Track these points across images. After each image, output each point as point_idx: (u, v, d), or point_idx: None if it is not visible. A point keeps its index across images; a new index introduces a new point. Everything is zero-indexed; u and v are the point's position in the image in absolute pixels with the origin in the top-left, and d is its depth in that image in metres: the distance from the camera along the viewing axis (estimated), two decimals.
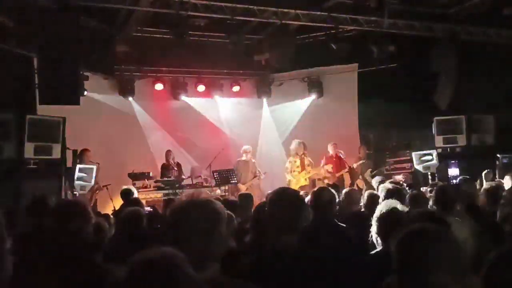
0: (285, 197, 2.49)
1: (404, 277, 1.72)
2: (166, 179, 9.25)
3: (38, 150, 6.98)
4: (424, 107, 10.12)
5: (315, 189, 4.08)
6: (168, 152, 9.91)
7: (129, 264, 1.35)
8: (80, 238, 2.19)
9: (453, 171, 9.31)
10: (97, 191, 8.60)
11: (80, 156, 8.33)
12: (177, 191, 8.95)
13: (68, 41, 6.99)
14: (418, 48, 10.00)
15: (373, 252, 2.97)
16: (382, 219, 2.97)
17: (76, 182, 7.55)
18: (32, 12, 7.25)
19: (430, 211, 3.58)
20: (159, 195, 8.99)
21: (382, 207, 3.07)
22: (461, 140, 9.45)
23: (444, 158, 9.55)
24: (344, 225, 3.72)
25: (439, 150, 9.59)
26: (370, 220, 3.21)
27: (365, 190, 9.10)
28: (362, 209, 4.92)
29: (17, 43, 7.51)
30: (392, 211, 2.98)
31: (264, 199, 7.92)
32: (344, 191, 5.27)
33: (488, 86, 9.49)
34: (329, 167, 9.79)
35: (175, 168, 9.59)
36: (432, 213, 3.30)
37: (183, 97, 11.24)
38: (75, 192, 7.69)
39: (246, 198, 5.58)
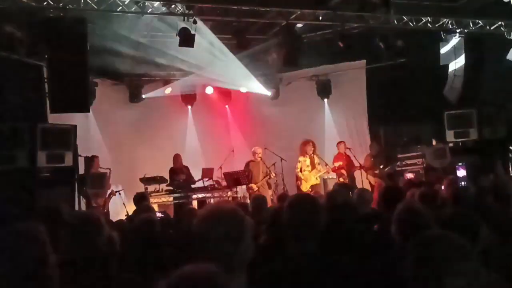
0: (304, 204, 2.50)
1: (419, 282, 1.71)
2: (178, 182, 9.25)
3: (50, 158, 7.01)
4: (434, 102, 10.02)
5: (329, 191, 4.07)
6: (176, 156, 9.89)
7: (170, 280, 1.29)
8: (94, 250, 2.21)
9: (461, 173, 9.05)
10: (110, 197, 8.65)
11: (90, 162, 8.37)
12: (188, 194, 8.96)
13: (77, 49, 7.05)
14: (427, 42, 9.92)
15: (388, 253, 2.93)
16: (400, 220, 2.93)
17: (89, 189, 7.59)
18: (40, 22, 7.31)
19: None
20: (170, 199, 9.00)
21: (400, 207, 3.03)
22: (473, 134, 9.33)
23: (456, 153, 9.42)
24: (358, 226, 3.69)
25: (451, 145, 9.49)
26: (383, 220, 3.15)
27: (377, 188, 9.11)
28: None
29: (26, 52, 7.56)
30: (411, 212, 2.93)
31: (276, 199, 7.96)
32: (356, 191, 5.21)
33: (498, 78, 9.37)
34: (337, 164, 9.77)
35: (184, 172, 9.57)
36: None
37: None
38: (89, 200, 7.73)
39: (259, 200, 5.56)
